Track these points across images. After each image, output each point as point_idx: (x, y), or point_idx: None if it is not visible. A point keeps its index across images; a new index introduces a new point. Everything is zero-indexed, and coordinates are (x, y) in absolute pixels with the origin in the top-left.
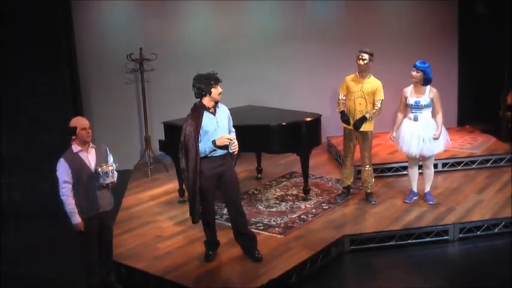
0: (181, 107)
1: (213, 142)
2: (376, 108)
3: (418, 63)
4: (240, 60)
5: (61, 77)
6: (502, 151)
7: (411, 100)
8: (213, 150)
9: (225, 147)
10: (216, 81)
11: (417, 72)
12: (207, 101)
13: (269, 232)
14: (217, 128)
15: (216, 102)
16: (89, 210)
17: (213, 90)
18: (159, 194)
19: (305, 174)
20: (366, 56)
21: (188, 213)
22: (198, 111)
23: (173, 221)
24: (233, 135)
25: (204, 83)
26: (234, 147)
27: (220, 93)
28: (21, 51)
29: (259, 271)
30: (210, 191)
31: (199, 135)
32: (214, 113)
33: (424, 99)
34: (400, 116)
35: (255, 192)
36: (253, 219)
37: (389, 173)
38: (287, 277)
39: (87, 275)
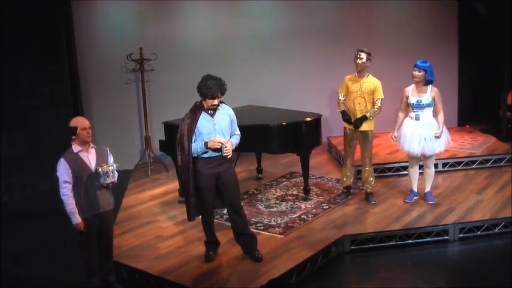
0: (181, 107)
1: (205, 144)
2: (376, 107)
3: (419, 63)
4: (240, 60)
5: (61, 77)
6: (502, 151)
7: (413, 99)
8: (205, 152)
9: (218, 150)
10: (214, 95)
11: (419, 72)
12: (205, 103)
13: (269, 232)
14: (213, 131)
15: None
16: (89, 210)
17: (208, 100)
18: (159, 194)
19: (305, 174)
20: (363, 55)
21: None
22: (195, 110)
23: (173, 221)
24: (236, 138)
25: (202, 90)
26: (226, 151)
27: (214, 105)
28: (21, 52)
29: (259, 271)
30: (208, 190)
31: (194, 134)
32: (212, 115)
33: (426, 99)
34: (401, 115)
35: (255, 192)
36: (254, 219)
37: (390, 173)
38: (287, 277)
39: (87, 275)
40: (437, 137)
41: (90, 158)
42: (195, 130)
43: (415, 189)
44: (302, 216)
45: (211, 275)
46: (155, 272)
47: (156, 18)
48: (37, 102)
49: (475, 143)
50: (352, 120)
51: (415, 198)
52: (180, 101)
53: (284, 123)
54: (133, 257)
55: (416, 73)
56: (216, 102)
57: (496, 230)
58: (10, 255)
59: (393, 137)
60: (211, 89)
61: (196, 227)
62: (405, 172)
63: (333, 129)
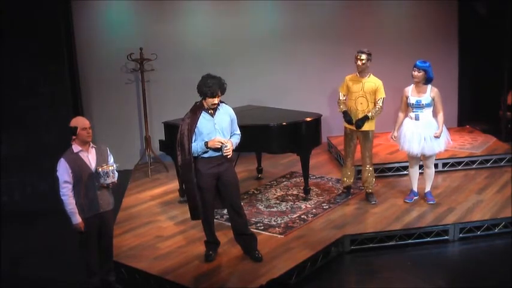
0: (181, 107)
1: (205, 143)
2: (377, 106)
3: (419, 63)
4: (240, 60)
5: (61, 77)
6: (502, 151)
7: (412, 99)
8: (205, 151)
9: (218, 149)
10: (213, 93)
11: (419, 72)
12: (205, 103)
13: (269, 232)
14: (214, 130)
15: (218, 103)
16: (89, 210)
17: (208, 99)
18: (159, 194)
19: (305, 174)
20: (363, 57)
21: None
22: (196, 110)
23: (173, 221)
24: (236, 138)
25: (202, 88)
26: (226, 151)
27: (214, 104)
28: (21, 51)
29: (259, 271)
30: (208, 190)
31: (195, 134)
32: (212, 114)
33: (426, 99)
34: (401, 115)
35: (255, 192)
36: (254, 219)
37: (390, 173)
38: (287, 277)
39: (87, 275)
40: (437, 137)
41: (90, 158)
42: (195, 130)
43: (415, 189)
44: (302, 216)
45: (211, 275)
46: (155, 272)
47: (156, 18)
48: (37, 102)
49: (475, 143)
50: (354, 121)
51: (415, 198)
52: (180, 101)
53: (284, 123)
54: (133, 257)
55: (416, 73)
56: (216, 101)
57: (496, 230)
58: (10, 255)
59: (393, 137)
60: (211, 88)
61: (197, 227)
62: (405, 172)
63: (333, 129)
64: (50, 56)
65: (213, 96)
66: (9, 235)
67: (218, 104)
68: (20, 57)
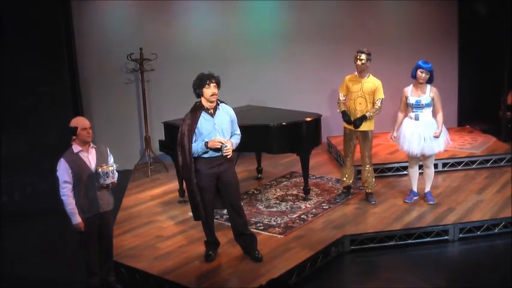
0: (181, 107)
1: (206, 144)
2: (376, 107)
3: (426, 66)
4: (240, 60)
5: (61, 77)
6: (502, 151)
7: (412, 99)
8: (206, 152)
9: (218, 149)
10: (206, 81)
11: (426, 74)
12: (204, 101)
13: (269, 232)
14: (214, 130)
15: (218, 104)
16: (89, 210)
17: (204, 90)
18: (159, 194)
19: (305, 174)
20: (363, 56)
21: (189, 213)
22: (196, 111)
23: (173, 221)
24: (236, 138)
25: (196, 84)
26: (226, 151)
27: (212, 94)
28: (21, 51)
29: (259, 271)
30: (208, 190)
31: (195, 135)
32: (212, 115)
33: (425, 99)
34: (400, 115)
35: (255, 192)
36: (253, 219)
37: (390, 173)
38: (287, 277)
39: (87, 275)
40: (437, 137)
41: (90, 158)
42: (196, 130)
43: (415, 189)
44: (302, 216)
45: (211, 275)
46: (155, 272)
47: (156, 18)
48: (37, 102)
49: (475, 143)
50: (352, 121)
51: (415, 198)
52: (180, 101)
53: (284, 123)
54: (133, 257)
55: (424, 75)
56: (213, 89)
57: (496, 230)
58: (10, 255)
59: (393, 137)
60: (202, 78)
61: (197, 227)
62: (405, 172)
63: (333, 129)
64: (50, 56)
65: (207, 84)
66: (9, 235)
67: (218, 104)
68: (20, 57)
